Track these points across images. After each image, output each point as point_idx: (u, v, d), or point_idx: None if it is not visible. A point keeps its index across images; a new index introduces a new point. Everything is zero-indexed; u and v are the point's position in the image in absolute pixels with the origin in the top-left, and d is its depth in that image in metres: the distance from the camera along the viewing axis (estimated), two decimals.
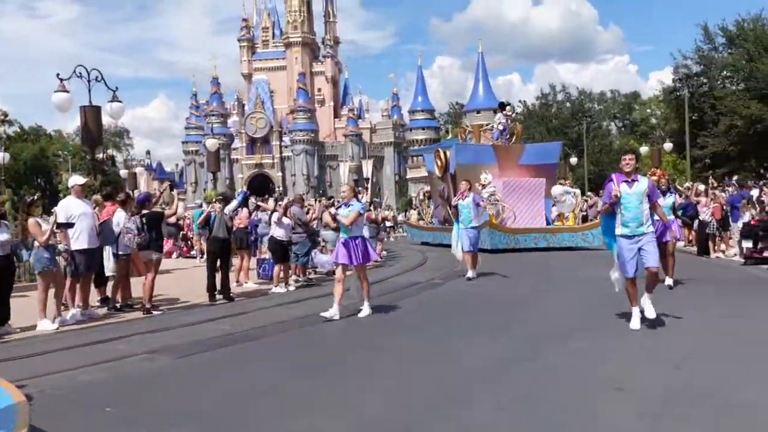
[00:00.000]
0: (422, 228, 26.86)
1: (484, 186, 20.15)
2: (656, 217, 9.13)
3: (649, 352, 6.17)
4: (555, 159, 24.05)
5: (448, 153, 23.08)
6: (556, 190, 21.81)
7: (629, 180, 7.10)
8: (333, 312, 8.31)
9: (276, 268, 12.33)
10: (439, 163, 23.41)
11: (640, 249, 7.01)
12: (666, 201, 10.12)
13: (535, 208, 21.00)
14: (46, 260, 8.50)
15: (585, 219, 23.03)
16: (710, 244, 16.42)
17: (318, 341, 7.40)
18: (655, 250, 7.10)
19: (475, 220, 12.47)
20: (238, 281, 12.77)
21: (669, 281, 10.17)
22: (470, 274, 12.22)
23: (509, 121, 24.22)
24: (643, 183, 7.14)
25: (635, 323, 7.04)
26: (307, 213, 13.80)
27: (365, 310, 8.56)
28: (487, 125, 24.98)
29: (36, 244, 8.51)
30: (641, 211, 7.03)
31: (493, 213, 19.52)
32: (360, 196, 19.65)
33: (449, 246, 21.48)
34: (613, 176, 7.27)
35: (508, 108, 24.67)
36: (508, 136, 23.59)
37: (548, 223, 21.29)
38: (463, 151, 22.70)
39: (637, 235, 7.02)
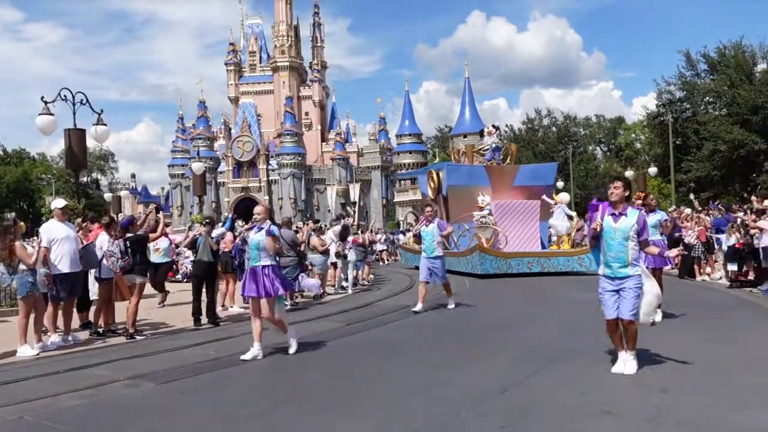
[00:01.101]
0: (416, 252, 26.54)
1: (481, 208, 19.75)
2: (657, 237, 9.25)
3: (636, 376, 6.13)
4: (550, 181, 23.13)
5: (441, 174, 22.58)
6: (563, 196, 21.33)
7: (616, 213, 6.21)
8: (254, 352, 7.44)
9: None
10: (432, 184, 22.90)
11: (620, 292, 6.17)
12: (651, 219, 9.33)
13: (529, 231, 20.30)
14: (30, 284, 8.37)
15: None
16: (696, 267, 16.53)
17: (304, 367, 7.30)
18: (635, 299, 6.13)
19: (439, 249, 11.59)
20: (223, 305, 12.65)
21: (657, 316, 8.50)
22: (418, 307, 11.32)
23: (501, 140, 23.68)
24: (631, 218, 6.17)
25: (617, 366, 6.22)
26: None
27: (293, 346, 7.77)
28: (481, 147, 24.01)
29: (21, 267, 8.38)
30: (626, 251, 6.13)
31: (486, 237, 19.20)
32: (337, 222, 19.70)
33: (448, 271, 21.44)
34: (601, 205, 6.38)
35: (490, 126, 23.87)
36: (501, 157, 23.03)
37: (543, 247, 20.51)
38: (455, 173, 22.16)
39: (619, 278, 6.15)
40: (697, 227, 16.44)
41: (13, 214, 13.94)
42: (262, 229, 7.65)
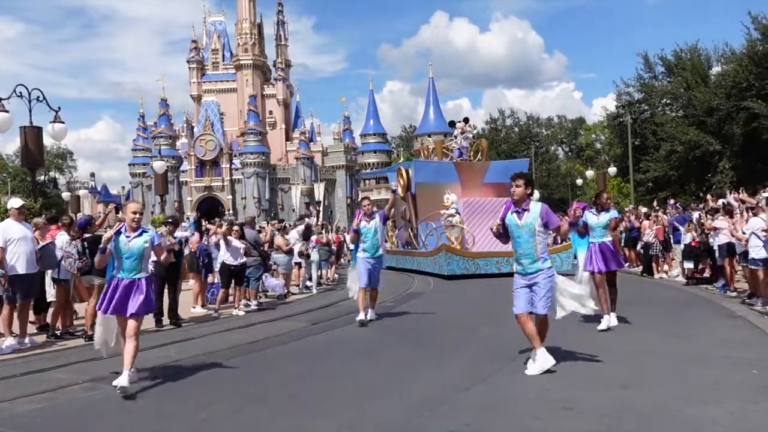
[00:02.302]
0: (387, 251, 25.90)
1: (446, 207, 19.07)
2: (595, 239, 9.08)
3: (596, 372, 6.25)
4: None
5: (410, 171, 21.94)
6: None
7: (519, 210, 6.25)
8: (122, 381, 5.79)
9: (221, 292, 12.16)
10: (401, 181, 22.05)
11: (532, 288, 6.19)
12: (600, 219, 9.11)
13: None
14: None
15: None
16: (654, 264, 16.90)
17: (268, 368, 7.25)
18: (548, 293, 6.17)
19: (383, 247, 10.47)
20: (196, 305, 12.58)
21: (612, 320, 8.78)
22: (362, 316, 9.93)
23: (472, 137, 22.86)
24: (534, 212, 6.20)
25: (531, 369, 6.12)
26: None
27: (122, 378, 5.80)
28: (451, 142, 23.18)
29: None
30: (534, 246, 6.17)
31: (455, 236, 18.77)
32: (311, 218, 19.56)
33: (413, 271, 20.52)
34: (505, 204, 6.50)
35: (459, 124, 23.00)
36: (471, 154, 22.36)
37: None
38: (422, 169, 21.42)
39: (530, 273, 6.19)
40: (656, 226, 16.80)
41: None
42: (140, 233, 6.22)
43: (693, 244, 14.34)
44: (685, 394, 5.37)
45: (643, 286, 15.07)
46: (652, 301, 12.03)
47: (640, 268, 17.97)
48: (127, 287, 6.12)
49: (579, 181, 51.47)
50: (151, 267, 8.95)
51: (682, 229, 15.31)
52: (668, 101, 42.88)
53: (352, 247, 11.27)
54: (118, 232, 6.16)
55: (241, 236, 12.40)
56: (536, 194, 20.84)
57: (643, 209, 20.85)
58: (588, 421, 4.71)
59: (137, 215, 6.24)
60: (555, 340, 7.76)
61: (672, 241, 16.32)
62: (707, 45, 51.06)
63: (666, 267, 16.74)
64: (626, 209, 24.68)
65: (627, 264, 19.71)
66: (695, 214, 15.46)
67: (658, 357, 6.97)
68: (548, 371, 6.08)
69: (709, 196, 19.04)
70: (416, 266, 20.43)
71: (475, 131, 23.33)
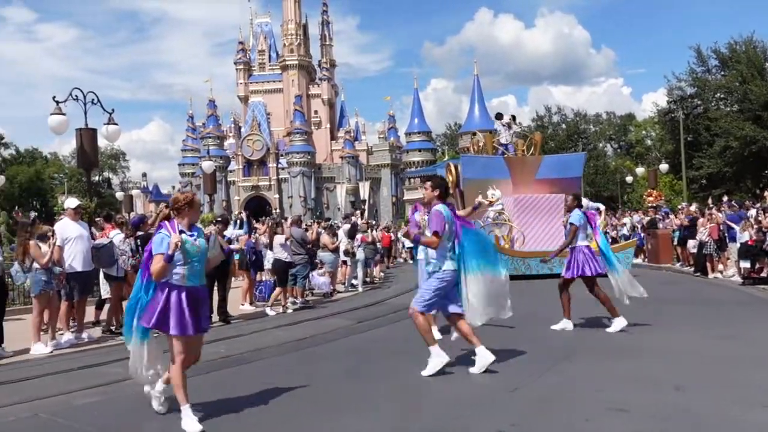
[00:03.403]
0: None
1: (491, 203, 17.33)
2: (582, 243, 8.54)
3: (648, 373, 6.11)
4: (578, 172, 20.59)
5: (458, 167, 20.66)
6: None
7: (427, 212, 6.50)
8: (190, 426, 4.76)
9: (276, 290, 12.30)
10: (450, 178, 20.64)
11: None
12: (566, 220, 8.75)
13: (553, 228, 17.81)
14: (44, 283, 8.43)
15: (614, 240, 21.07)
16: (708, 264, 16.42)
17: (314, 365, 7.32)
18: (423, 293, 6.35)
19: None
20: (245, 302, 12.81)
21: (619, 323, 8.40)
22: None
23: (513, 134, 21.46)
24: (430, 215, 6.32)
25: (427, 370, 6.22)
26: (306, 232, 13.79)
27: (189, 422, 4.78)
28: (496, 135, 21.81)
29: (35, 266, 8.45)
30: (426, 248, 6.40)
31: (502, 234, 17.80)
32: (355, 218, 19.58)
33: None
34: (416, 206, 6.70)
35: (504, 118, 21.81)
36: (524, 149, 20.94)
37: None
38: (470, 165, 20.11)
39: (428, 273, 6.43)
40: (709, 224, 16.32)
41: (34, 213, 14.06)
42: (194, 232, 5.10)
43: (749, 242, 13.88)
44: (743, 398, 5.19)
45: (696, 286, 14.66)
46: (707, 301, 11.69)
47: (693, 267, 17.47)
48: (196, 296, 4.99)
49: (629, 179, 50.36)
50: (131, 262, 8.90)
51: (737, 227, 14.84)
52: (722, 95, 41.69)
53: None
54: (181, 231, 4.92)
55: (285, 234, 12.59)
56: (586, 202, 19.55)
57: (692, 207, 20.24)
58: (640, 424, 4.60)
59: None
60: (605, 341, 7.63)
61: (727, 239, 15.83)
62: (763, 37, 49.32)
63: (721, 266, 16.25)
64: (679, 207, 24.07)
65: (680, 263, 19.25)
66: (752, 212, 14.95)
67: (713, 359, 6.76)
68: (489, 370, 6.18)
69: (766, 193, 18.40)
70: None
71: (517, 128, 22.04)
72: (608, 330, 8.42)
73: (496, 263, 6.60)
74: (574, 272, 8.62)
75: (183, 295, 4.86)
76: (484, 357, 6.26)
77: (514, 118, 22.31)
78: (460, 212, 8.24)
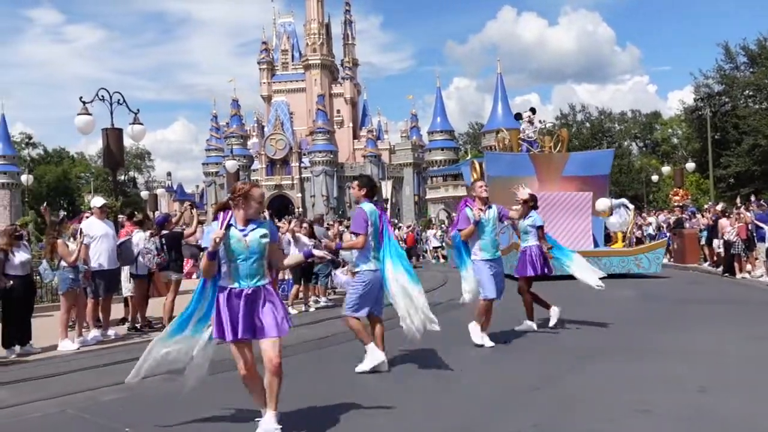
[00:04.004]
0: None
1: (519, 202, 17.38)
2: (533, 243, 8.60)
3: (672, 374, 6.03)
4: (606, 169, 19.92)
5: (483, 165, 20.24)
6: (602, 203, 18.07)
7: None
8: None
9: (294, 288, 12.35)
10: (475, 175, 20.33)
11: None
12: (521, 224, 8.71)
13: (579, 227, 17.40)
14: (71, 280, 8.58)
15: (653, 239, 20.55)
16: (736, 264, 16.16)
17: (335, 364, 7.34)
18: (348, 295, 6.68)
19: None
20: None
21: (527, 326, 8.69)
22: (482, 340, 7.78)
23: (536, 130, 20.81)
24: None
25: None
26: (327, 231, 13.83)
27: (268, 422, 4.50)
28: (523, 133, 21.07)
29: (62, 264, 8.60)
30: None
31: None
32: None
33: None
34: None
35: (525, 114, 21.15)
36: (551, 145, 20.43)
37: (597, 245, 17.55)
38: (495, 162, 19.54)
39: None
40: (737, 223, 16.05)
41: (63, 213, 14.29)
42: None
43: None
44: None
45: (724, 286, 14.44)
46: (734, 301, 11.50)
47: (721, 268, 17.20)
48: (245, 299, 4.44)
49: (654, 177, 49.77)
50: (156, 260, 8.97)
51: (766, 227, 14.58)
52: (751, 93, 41.01)
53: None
54: (228, 226, 4.44)
55: (311, 234, 12.60)
56: (602, 204, 18.50)
57: (719, 207, 19.88)
58: (663, 425, 4.55)
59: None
60: (627, 341, 7.55)
61: (756, 239, 15.56)
62: None
63: (749, 267, 15.98)
64: (705, 206, 23.72)
65: (707, 263, 18.96)
66: None
67: (739, 360, 6.65)
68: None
69: None
70: None
71: (541, 125, 21.36)
72: (517, 328, 8.62)
73: (413, 273, 6.51)
74: (526, 271, 8.65)
75: (224, 297, 4.44)
76: (373, 355, 6.43)
77: (533, 110, 21.56)
78: (512, 213, 8.27)
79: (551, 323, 8.64)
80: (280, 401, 4.48)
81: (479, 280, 7.68)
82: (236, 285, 4.44)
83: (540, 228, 8.78)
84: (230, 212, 4.52)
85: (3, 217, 61.28)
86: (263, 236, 4.49)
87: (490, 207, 7.82)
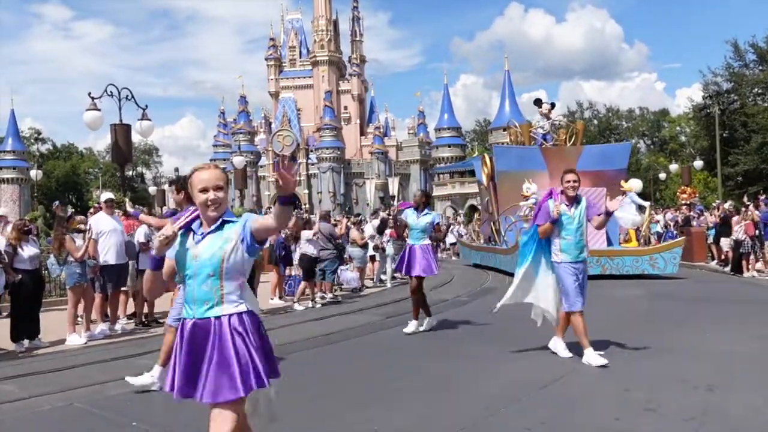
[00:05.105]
0: (471, 247, 22.82)
1: (526, 197, 16.85)
2: (413, 242, 8.56)
3: (680, 372, 6.02)
4: (623, 164, 19.02)
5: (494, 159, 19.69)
6: (635, 182, 17.57)
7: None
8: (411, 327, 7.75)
9: (302, 284, 12.37)
10: (485, 170, 19.97)
11: None
12: (420, 221, 8.65)
13: (592, 225, 17.15)
14: (78, 275, 8.62)
15: (659, 237, 20.30)
16: (744, 262, 16.09)
17: (340, 360, 7.36)
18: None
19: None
20: (274, 296, 12.93)
21: (427, 324, 8.87)
22: (565, 352, 6.91)
23: (551, 124, 19.88)
24: None
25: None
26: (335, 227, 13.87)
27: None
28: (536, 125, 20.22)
29: (70, 259, 8.64)
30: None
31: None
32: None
33: (498, 270, 17.61)
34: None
35: (544, 105, 20.16)
36: (566, 138, 19.56)
37: (610, 244, 16.73)
38: (504, 156, 19.04)
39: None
40: (745, 222, 15.98)
41: (71, 210, 14.35)
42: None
43: None
44: None
45: (731, 285, 14.37)
46: (742, 300, 11.45)
47: (729, 266, 17.13)
48: (198, 337, 3.06)
49: (662, 175, 49.55)
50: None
51: None
52: (760, 91, 40.77)
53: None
54: (189, 227, 3.09)
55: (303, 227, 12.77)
56: (635, 183, 17.81)
57: (726, 204, 19.80)
58: (671, 424, 4.54)
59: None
60: (635, 340, 7.53)
61: (763, 237, 15.49)
62: None
63: (758, 265, 15.91)
64: (713, 204, 23.62)
65: (714, 262, 18.88)
66: None
67: (747, 359, 6.63)
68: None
69: None
70: (498, 264, 18.35)
71: (556, 120, 20.51)
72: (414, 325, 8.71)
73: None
74: (415, 270, 8.55)
75: (179, 331, 3.11)
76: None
77: (553, 105, 20.78)
78: (612, 204, 7.04)
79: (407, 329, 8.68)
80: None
81: (563, 288, 6.69)
82: (185, 314, 3.09)
83: (437, 225, 9.10)
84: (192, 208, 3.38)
85: (12, 212, 61.52)
86: (226, 242, 2.98)
87: (578, 202, 6.86)
